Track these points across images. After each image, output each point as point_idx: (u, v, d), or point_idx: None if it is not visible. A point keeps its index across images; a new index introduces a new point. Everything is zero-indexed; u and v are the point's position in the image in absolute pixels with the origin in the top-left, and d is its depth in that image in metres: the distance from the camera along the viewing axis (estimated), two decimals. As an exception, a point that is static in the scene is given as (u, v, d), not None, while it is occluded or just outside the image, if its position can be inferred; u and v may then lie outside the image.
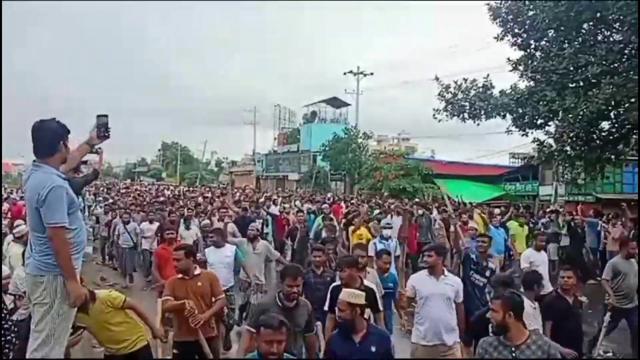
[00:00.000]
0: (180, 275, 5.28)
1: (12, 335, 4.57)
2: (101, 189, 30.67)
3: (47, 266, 3.50)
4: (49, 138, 3.51)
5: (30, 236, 3.71)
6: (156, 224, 11.97)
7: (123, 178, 77.22)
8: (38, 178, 3.46)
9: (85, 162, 4.63)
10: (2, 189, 18.82)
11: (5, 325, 4.59)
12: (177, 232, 12.09)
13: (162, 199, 21.64)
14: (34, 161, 3.55)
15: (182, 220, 11.45)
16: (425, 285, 5.55)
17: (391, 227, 9.92)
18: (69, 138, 3.66)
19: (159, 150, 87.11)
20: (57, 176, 3.48)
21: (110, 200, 19.76)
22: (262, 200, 18.82)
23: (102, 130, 3.97)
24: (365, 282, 5.50)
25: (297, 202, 19.76)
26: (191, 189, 37.94)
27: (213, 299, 5.32)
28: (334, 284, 5.54)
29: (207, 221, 10.63)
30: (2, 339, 4.48)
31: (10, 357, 4.42)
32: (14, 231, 7.77)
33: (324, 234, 10.52)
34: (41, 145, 3.51)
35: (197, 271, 5.35)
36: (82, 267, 3.92)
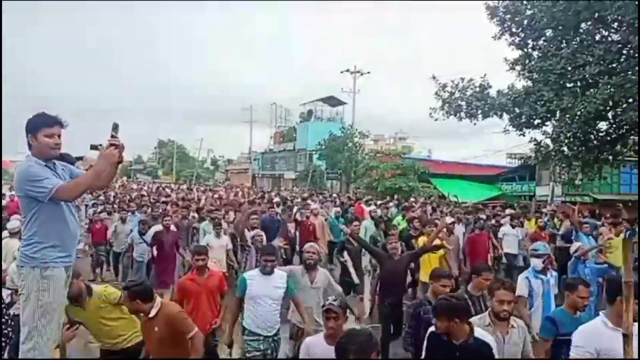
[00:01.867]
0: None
1: (9, 329, 4.57)
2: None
3: (26, 258, 3.47)
4: (26, 131, 3.55)
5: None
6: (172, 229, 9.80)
7: (119, 176, 76.91)
8: (18, 169, 3.52)
9: (81, 158, 4.54)
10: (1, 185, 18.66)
11: (2, 320, 4.58)
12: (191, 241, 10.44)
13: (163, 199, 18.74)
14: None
15: (211, 226, 9.75)
16: (609, 341, 3.37)
17: (546, 254, 6.34)
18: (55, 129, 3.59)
19: (155, 148, 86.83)
20: (34, 162, 3.48)
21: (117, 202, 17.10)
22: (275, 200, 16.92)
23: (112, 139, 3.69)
24: (477, 332, 3.80)
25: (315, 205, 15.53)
26: (196, 187, 36.21)
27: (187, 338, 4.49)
28: (432, 329, 3.96)
29: (258, 231, 8.58)
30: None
31: (7, 350, 4.42)
32: (8, 226, 7.73)
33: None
34: (26, 138, 3.57)
35: (155, 310, 4.50)
36: (76, 264, 3.86)
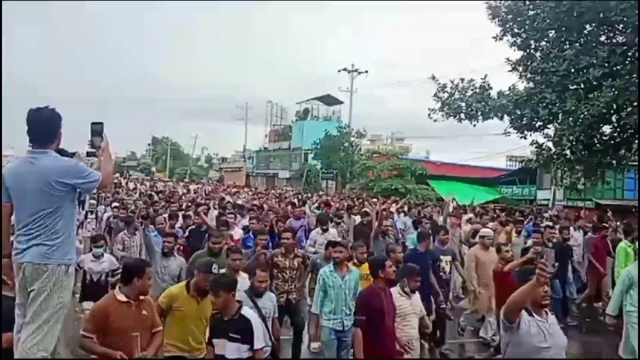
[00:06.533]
0: (123, 298, 4.06)
1: None
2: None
3: (52, 255, 3.44)
4: (50, 125, 3.54)
5: (24, 224, 3.47)
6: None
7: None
8: (49, 163, 3.43)
9: (74, 154, 4.36)
10: None
11: None
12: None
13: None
14: (34, 148, 3.48)
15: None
16: None
17: None
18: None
19: (149, 144, 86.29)
20: (66, 157, 3.57)
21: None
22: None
23: (97, 140, 3.80)
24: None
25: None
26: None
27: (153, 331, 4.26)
28: None
29: None
30: None
31: None
32: None
33: None
34: (43, 132, 3.50)
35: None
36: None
